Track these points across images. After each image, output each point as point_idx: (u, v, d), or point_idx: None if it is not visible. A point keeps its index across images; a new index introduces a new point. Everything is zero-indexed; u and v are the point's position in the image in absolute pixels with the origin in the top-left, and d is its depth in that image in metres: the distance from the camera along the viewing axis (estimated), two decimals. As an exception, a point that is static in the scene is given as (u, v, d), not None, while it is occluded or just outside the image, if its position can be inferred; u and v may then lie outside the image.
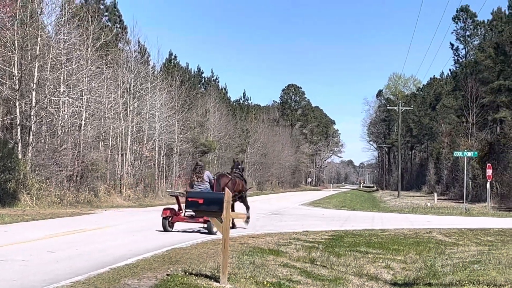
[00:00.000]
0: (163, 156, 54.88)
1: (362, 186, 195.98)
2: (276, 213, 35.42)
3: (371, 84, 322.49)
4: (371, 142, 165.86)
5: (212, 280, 11.08)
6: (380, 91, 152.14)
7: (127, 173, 46.02)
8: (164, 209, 20.97)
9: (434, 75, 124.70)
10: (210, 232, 19.94)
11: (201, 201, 11.12)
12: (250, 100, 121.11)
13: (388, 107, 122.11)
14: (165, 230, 20.29)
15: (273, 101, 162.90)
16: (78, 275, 11.11)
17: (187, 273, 11.51)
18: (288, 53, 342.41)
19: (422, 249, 18.26)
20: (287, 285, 11.40)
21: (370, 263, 15.10)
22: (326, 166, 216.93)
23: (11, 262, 12.59)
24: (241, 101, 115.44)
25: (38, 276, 11.11)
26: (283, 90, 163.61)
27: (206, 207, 11.13)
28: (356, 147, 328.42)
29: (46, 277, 10.95)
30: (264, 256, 14.71)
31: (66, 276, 11.08)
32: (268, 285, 11.15)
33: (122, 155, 46.91)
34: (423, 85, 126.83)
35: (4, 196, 31.72)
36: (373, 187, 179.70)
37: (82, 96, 39.64)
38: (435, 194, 60.01)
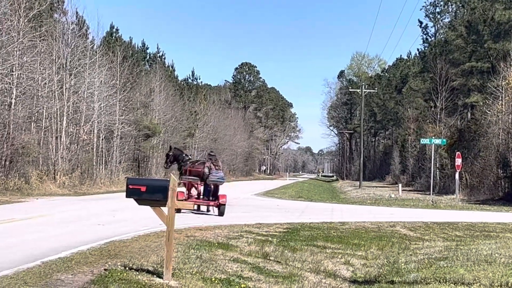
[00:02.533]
0: (102, 139, 54.47)
1: (321, 176, 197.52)
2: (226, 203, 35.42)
3: (332, 64, 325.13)
4: (331, 128, 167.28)
5: (155, 275, 11.07)
6: (341, 72, 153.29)
7: (62, 158, 45.56)
8: (179, 192, 22.23)
9: (400, 55, 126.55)
10: (221, 214, 25.71)
11: (143, 188, 11.03)
12: (199, 79, 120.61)
13: (350, 90, 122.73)
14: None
15: (225, 81, 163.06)
16: (4, 269, 10.99)
17: (127, 268, 11.48)
18: (242, 28, 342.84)
19: (385, 244, 18.45)
20: (237, 281, 11.43)
21: (328, 259, 15.22)
22: (282, 153, 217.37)
23: None
24: (190, 81, 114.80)
25: (-40, 270, 10.96)
26: (236, 69, 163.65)
27: (149, 196, 11.06)
28: (315, 132, 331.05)
29: (-31, 272, 10.81)
30: (213, 250, 14.72)
31: (-9, 270, 10.96)
32: (216, 281, 11.16)
33: (56, 138, 46.41)
34: (389, 66, 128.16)
35: None
36: (332, 176, 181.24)
37: (12, 71, 39.10)
38: (400, 185, 60.62)
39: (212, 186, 26.72)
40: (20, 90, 40.45)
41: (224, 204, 26.27)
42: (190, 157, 30.42)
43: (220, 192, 26.96)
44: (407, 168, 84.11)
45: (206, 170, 26.63)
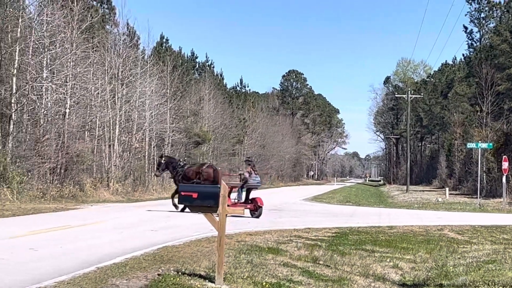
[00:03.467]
0: (154, 147, 54.81)
1: (368, 180, 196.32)
2: (275, 209, 35.40)
3: (378, 70, 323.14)
4: (378, 133, 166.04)
5: (207, 280, 11.08)
6: (387, 78, 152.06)
7: (115, 165, 45.93)
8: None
9: (446, 61, 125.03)
10: (258, 217, 26.49)
11: (195, 195, 11.07)
12: (248, 87, 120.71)
13: (396, 95, 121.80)
14: None
15: (273, 88, 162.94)
16: (62, 275, 11.11)
17: (180, 273, 11.52)
18: (289, 37, 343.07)
19: (433, 247, 18.27)
20: (287, 285, 11.41)
21: (377, 263, 15.12)
22: (329, 159, 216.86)
23: (-11, 261, 12.58)
24: (238, 88, 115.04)
25: (19, 275, 11.10)
26: (283, 76, 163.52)
27: (201, 202, 11.10)
28: (362, 138, 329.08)
29: (28, 277, 10.94)
30: (263, 255, 14.71)
31: (49, 275, 11.08)
32: (267, 285, 11.15)
33: (109, 146, 46.83)
34: (434, 71, 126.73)
35: (-18, 190, 31.70)
36: (379, 181, 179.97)
37: (66, 82, 39.55)
38: (447, 189, 60.03)
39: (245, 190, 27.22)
40: (74, 100, 40.89)
41: (261, 207, 26.88)
42: (184, 162, 30.71)
43: (255, 196, 27.70)
44: (454, 172, 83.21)
45: (247, 174, 27.30)
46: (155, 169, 33.68)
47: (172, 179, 31.13)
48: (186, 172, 28.78)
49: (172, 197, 29.08)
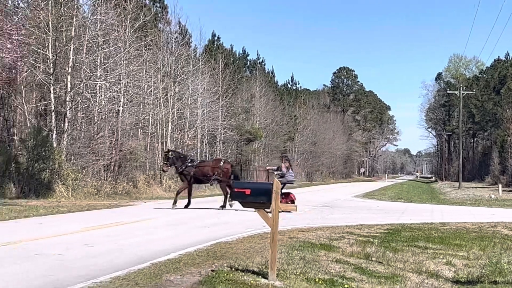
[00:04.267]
0: (205, 144, 55.06)
1: (420, 177, 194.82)
2: (327, 205, 35.26)
3: (429, 67, 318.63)
4: (429, 129, 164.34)
5: (260, 276, 11.02)
6: (439, 74, 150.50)
7: (168, 162, 46.14)
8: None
9: (498, 57, 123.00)
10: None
11: (248, 192, 11.01)
12: (298, 84, 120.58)
13: (448, 91, 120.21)
14: None
15: (324, 85, 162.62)
16: (117, 270, 11.15)
17: (233, 269, 11.48)
18: (340, 33, 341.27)
19: (486, 244, 17.97)
20: (340, 282, 11.28)
21: (430, 259, 14.90)
22: (380, 155, 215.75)
23: (46, 256, 12.68)
24: (289, 86, 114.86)
25: (75, 271, 11.16)
26: (334, 73, 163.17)
27: (253, 198, 11.04)
28: (413, 134, 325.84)
29: (83, 272, 11.00)
30: (315, 251, 14.61)
31: (104, 271, 11.13)
32: (320, 282, 11.04)
33: (162, 143, 47.14)
34: (487, 67, 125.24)
35: (38, 187, 32.14)
36: (431, 177, 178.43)
37: (120, 80, 39.90)
38: (500, 185, 59.17)
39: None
40: (127, 98, 41.23)
41: (293, 201, 26.91)
42: (192, 158, 30.48)
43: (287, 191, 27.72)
44: (507, 168, 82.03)
45: (285, 169, 27.40)
46: (162, 164, 32.50)
47: (178, 174, 30.31)
48: (200, 167, 28.50)
49: (177, 193, 28.82)
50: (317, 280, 11.15)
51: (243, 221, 21.50)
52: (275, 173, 28.00)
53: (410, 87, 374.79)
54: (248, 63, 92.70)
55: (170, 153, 29.13)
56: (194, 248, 14.35)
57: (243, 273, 11.18)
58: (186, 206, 27.52)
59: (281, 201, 25.45)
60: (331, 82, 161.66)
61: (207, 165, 28.90)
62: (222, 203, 27.87)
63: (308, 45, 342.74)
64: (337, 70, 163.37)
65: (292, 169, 28.22)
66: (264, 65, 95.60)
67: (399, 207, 35.98)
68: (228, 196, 27.32)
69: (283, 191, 26.86)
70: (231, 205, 27.58)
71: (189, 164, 28.32)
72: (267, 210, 11.15)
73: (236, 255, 13.50)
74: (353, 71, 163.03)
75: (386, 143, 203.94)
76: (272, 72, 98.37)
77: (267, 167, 33.43)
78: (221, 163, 28.57)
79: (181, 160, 28.62)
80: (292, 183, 29.08)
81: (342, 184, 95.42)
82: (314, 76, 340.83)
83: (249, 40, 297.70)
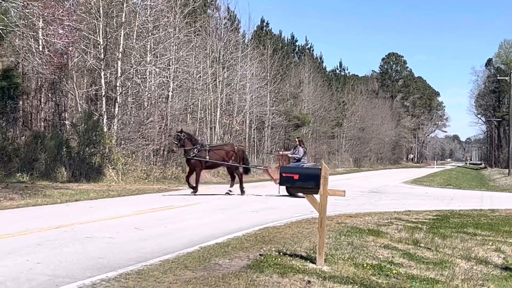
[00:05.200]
0: (254, 129, 55.14)
1: (469, 163, 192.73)
2: (375, 191, 35.15)
3: (479, 53, 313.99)
4: (479, 116, 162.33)
5: (308, 261, 11.02)
6: (489, 60, 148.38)
7: (216, 147, 46.33)
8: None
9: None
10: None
11: (296, 177, 11.02)
12: (347, 70, 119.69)
13: (498, 78, 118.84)
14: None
15: (372, 71, 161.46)
16: (166, 254, 11.23)
17: (281, 254, 11.50)
18: (388, 19, 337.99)
19: (537, 231, 17.76)
20: (388, 267, 11.22)
21: (479, 246, 14.75)
22: (429, 142, 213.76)
23: (96, 239, 12.83)
24: (337, 71, 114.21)
25: (125, 254, 11.27)
26: (382, 59, 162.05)
27: (302, 183, 11.04)
28: (463, 121, 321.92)
29: (133, 255, 11.10)
30: (363, 237, 14.56)
31: (154, 254, 11.23)
32: (368, 267, 10.99)
33: (211, 128, 47.30)
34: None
35: (89, 171, 32.47)
36: (480, 164, 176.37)
37: (169, 66, 40.07)
38: (551, 173, 58.40)
39: None
40: (176, 83, 41.41)
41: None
42: (201, 141, 29.96)
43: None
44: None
45: (301, 153, 27.18)
46: (173, 145, 30.23)
47: (186, 159, 28.56)
48: (216, 151, 27.88)
49: (187, 178, 27.81)
50: (365, 265, 11.11)
51: (291, 206, 21.49)
52: (291, 156, 27.89)
53: (459, 73, 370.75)
54: (297, 49, 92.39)
55: (182, 134, 27.74)
56: (242, 233, 14.41)
57: (291, 258, 11.20)
58: (194, 193, 26.52)
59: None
60: (380, 68, 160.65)
61: (223, 149, 28.56)
62: (230, 188, 27.72)
63: (357, 31, 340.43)
64: (386, 56, 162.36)
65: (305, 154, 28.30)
66: (313, 50, 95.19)
67: (448, 194, 35.72)
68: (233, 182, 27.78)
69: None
70: (230, 191, 27.33)
71: (201, 149, 27.43)
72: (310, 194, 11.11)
73: (284, 239, 13.51)
74: (402, 56, 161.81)
75: (435, 129, 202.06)
76: (320, 58, 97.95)
77: (282, 152, 32.47)
78: (236, 148, 28.61)
79: (192, 143, 27.59)
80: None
81: (390, 170, 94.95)
82: (362, 62, 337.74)
83: (298, 26, 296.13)
